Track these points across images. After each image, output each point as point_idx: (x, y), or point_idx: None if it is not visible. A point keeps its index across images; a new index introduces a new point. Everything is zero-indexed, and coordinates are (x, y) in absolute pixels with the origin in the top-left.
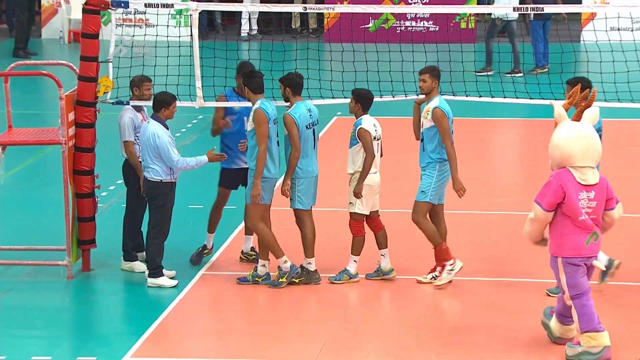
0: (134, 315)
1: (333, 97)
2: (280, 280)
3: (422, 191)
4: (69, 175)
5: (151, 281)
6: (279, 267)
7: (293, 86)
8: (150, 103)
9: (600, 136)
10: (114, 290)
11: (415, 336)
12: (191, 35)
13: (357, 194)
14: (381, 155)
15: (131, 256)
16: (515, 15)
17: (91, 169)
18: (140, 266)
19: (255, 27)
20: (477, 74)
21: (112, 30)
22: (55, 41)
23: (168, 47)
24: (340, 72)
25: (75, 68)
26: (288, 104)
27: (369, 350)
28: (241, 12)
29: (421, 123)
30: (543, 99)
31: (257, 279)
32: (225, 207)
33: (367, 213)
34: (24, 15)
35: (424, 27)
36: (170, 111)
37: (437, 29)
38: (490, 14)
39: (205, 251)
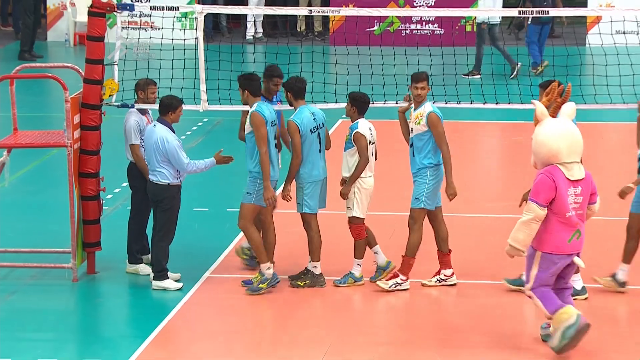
0: (139, 318)
1: (337, 102)
2: (260, 286)
3: (416, 198)
4: (75, 178)
5: (156, 284)
6: (260, 272)
7: (294, 91)
8: (155, 106)
9: None
10: (119, 293)
11: (420, 339)
12: (196, 38)
13: (344, 195)
14: (375, 159)
15: (136, 259)
16: (497, 19)
17: (96, 171)
18: (145, 269)
19: (260, 30)
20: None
21: (118, 33)
22: (61, 44)
23: (173, 50)
24: (345, 75)
25: (80, 71)
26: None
27: (374, 353)
28: (246, 15)
29: (410, 129)
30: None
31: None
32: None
33: (364, 216)
34: (30, 18)
35: (429, 30)
36: (177, 115)
37: (442, 32)
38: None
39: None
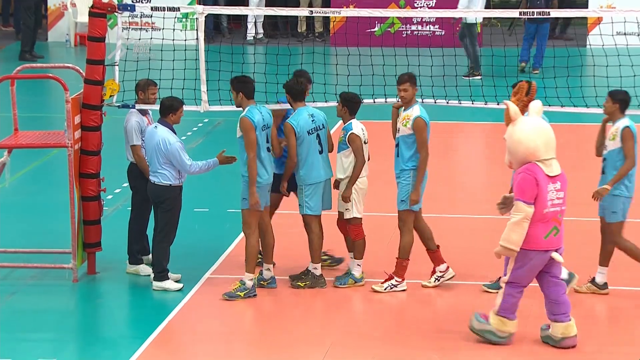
0: (140, 319)
1: (338, 102)
2: (238, 293)
3: (402, 200)
4: (75, 178)
5: (156, 284)
6: (242, 280)
7: (293, 93)
8: (156, 107)
9: None
10: (119, 294)
11: (419, 339)
12: (197, 38)
13: (346, 198)
14: (368, 159)
15: (136, 259)
16: (474, 19)
17: (97, 172)
18: (145, 269)
19: (261, 30)
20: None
21: (119, 33)
22: (62, 44)
23: (174, 50)
24: (346, 76)
25: (81, 71)
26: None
27: (374, 353)
28: (247, 15)
29: (397, 128)
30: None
31: (262, 282)
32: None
33: (362, 216)
34: (31, 18)
35: (430, 31)
36: (178, 116)
37: (443, 33)
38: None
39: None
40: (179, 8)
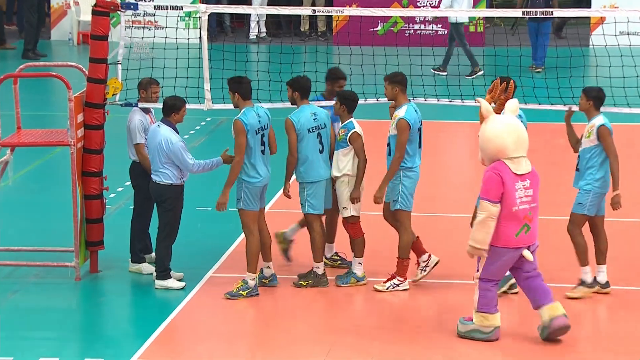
0: (142, 317)
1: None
2: (241, 292)
3: (394, 200)
4: (78, 177)
5: (159, 283)
6: (245, 280)
7: (302, 90)
8: (159, 105)
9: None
10: (121, 292)
11: (422, 339)
12: (200, 37)
13: (355, 199)
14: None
15: (139, 258)
16: (465, 19)
17: (100, 170)
18: (147, 268)
19: (264, 29)
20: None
21: (122, 32)
22: (65, 43)
23: (177, 49)
24: (349, 75)
25: (84, 70)
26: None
27: (376, 353)
28: (250, 14)
29: (390, 127)
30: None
31: (263, 280)
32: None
33: (360, 214)
34: (34, 17)
35: (432, 30)
36: (180, 115)
37: (445, 32)
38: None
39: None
40: (181, 7)
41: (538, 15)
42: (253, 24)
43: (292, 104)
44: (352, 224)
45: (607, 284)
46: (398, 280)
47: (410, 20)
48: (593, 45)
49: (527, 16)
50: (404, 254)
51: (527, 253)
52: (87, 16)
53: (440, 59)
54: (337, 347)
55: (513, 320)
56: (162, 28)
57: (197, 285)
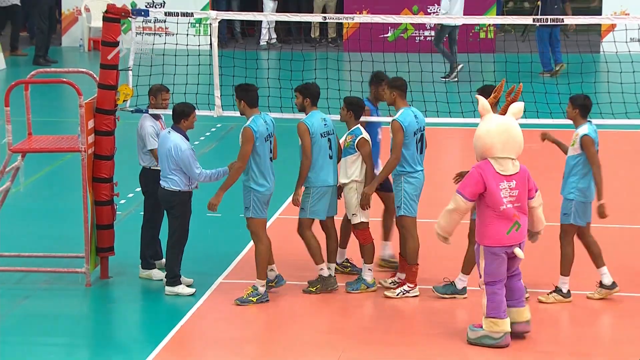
0: (152, 323)
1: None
2: (250, 299)
3: (397, 206)
4: (88, 183)
5: (169, 289)
6: (255, 286)
7: (313, 96)
8: (168, 111)
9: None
10: (131, 298)
11: (433, 345)
12: (210, 44)
13: (365, 205)
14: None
15: (149, 264)
16: (459, 22)
17: (110, 176)
18: (158, 274)
19: (274, 36)
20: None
21: (133, 38)
22: (75, 49)
23: (187, 55)
24: (360, 82)
25: (95, 76)
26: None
27: (386, 359)
28: (261, 21)
29: None
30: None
31: (270, 284)
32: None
33: (368, 220)
34: (45, 23)
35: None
36: (190, 122)
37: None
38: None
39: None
40: (192, 13)
41: (549, 23)
42: (264, 31)
43: (300, 111)
44: (362, 230)
45: (614, 285)
46: (408, 286)
47: (420, 26)
48: (604, 52)
49: (539, 23)
50: (412, 260)
51: (518, 251)
52: (98, 22)
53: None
54: (347, 354)
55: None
56: (173, 34)
57: (207, 291)
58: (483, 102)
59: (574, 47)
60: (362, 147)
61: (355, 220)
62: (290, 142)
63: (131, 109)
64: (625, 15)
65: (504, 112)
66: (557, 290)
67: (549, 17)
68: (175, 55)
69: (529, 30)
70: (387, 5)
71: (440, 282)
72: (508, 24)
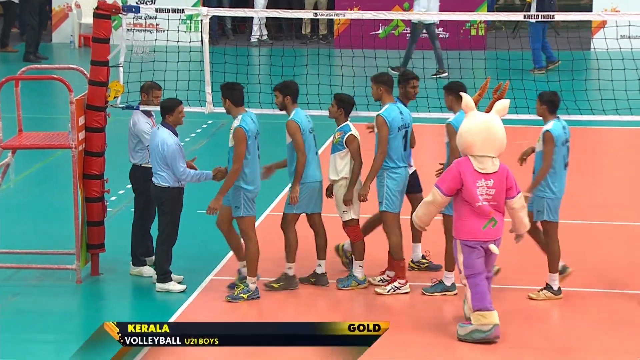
0: (143, 320)
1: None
2: (242, 295)
3: (379, 202)
4: (79, 180)
5: (159, 286)
6: (245, 283)
7: (293, 94)
8: (159, 108)
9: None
10: (122, 295)
11: (424, 342)
12: (201, 40)
13: (348, 201)
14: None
15: (140, 261)
16: (431, 20)
17: (101, 173)
18: (148, 271)
19: (265, 32)
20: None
21: (123, 35)
22: (66, 45)
23: (178, 52)
24: (351, 77)
25: (85, 72)
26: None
27: (377, 355)
28: (252, 17)
29: None
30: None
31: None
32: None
33: (359, 217)
34: (35, 19)
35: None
36: (176, 117)
37: (447, 35)
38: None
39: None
40: (183, 10)
41: (540, 19)
42: (255, 27)
43: (281, 110)
44: (351, 227)
45: (559, 291)
46: (399, 282)
47: (411, 23)
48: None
49: (529, 19)
50: (397, 256)
51: (493, 247)
52: (88, 19)
53: (443, 62)
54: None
55: (513, 320)
56: (164, 31)
57: (198, 288)
58: (467, 100)
59: (564, 44)
60: (351, 143)
61: (346, 217)
62: (282, 139)
63: (122, 106)
64: (616, 12)
65: (489, 109)
66: (548, 287)
67: (539, 13)
68: (166, 52)
69: (519, 27)
70: (378, 2)
71: (427, 283)
72: (499, 21)
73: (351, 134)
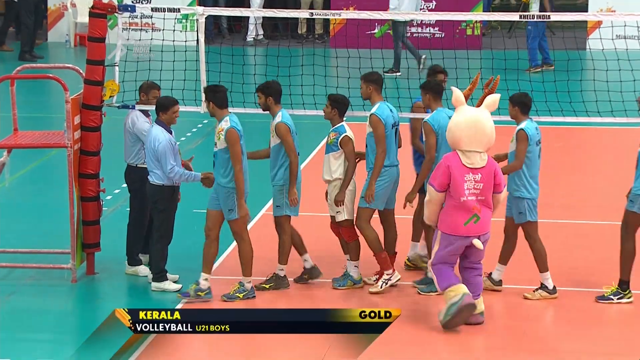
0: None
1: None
2: (237, 295)
3: (362, 197)
4: (74, 179)
5: (155, 285)
6: (241, 282)
7: (276, 94)
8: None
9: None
10: (118, 294)
11: (420, 340)
12: (197, 39)
13: (339, 202)
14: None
15: (135, 260)
16: (401, 18)
17: (96, 172)
18: (144, 270)
19: (261, 32)
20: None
21: (119, 34)
22: (62, 45)
23: (174, 51)
24: (347, 78)
25: (81, 71)
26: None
27: (373, 354)
28: (248, 17)
29: None
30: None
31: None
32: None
33: (353, 217)
34: (30, 18)
35: (430, 33)
36: (170, 116)
37: (443, 35)
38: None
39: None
40: (179, 9)
41: (535, 19)
42: (251, 27)
43: (264, 110)
44: (346, 227)
45: (499, 283)
46: (387, 274)
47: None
48: (590, 48)
49: (525, 19)
50: (375, 249)
51: (477, 242)
52: (84, 18)
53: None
54: (334, 349)
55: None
56: (159, 30)
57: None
58: (457, 94)
59: (560, 44)
60: (346, 145)
61: (340, 217)
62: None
63: (117, 105)
64: (611, 12)
65: (479, 104)
66: (543, 287)
67: (535, 13)
68: (162, 51)
69: (515, 27)
70: (373, 2)
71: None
72: (495, 21)
73: (346, 136)
